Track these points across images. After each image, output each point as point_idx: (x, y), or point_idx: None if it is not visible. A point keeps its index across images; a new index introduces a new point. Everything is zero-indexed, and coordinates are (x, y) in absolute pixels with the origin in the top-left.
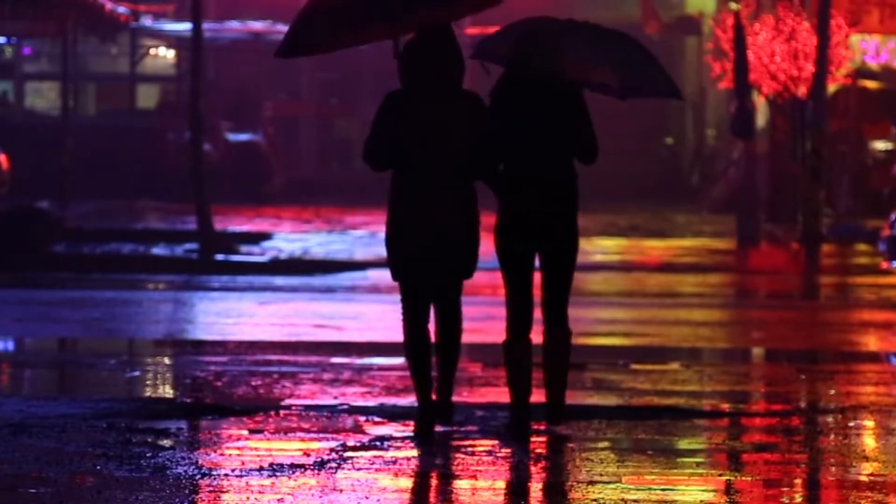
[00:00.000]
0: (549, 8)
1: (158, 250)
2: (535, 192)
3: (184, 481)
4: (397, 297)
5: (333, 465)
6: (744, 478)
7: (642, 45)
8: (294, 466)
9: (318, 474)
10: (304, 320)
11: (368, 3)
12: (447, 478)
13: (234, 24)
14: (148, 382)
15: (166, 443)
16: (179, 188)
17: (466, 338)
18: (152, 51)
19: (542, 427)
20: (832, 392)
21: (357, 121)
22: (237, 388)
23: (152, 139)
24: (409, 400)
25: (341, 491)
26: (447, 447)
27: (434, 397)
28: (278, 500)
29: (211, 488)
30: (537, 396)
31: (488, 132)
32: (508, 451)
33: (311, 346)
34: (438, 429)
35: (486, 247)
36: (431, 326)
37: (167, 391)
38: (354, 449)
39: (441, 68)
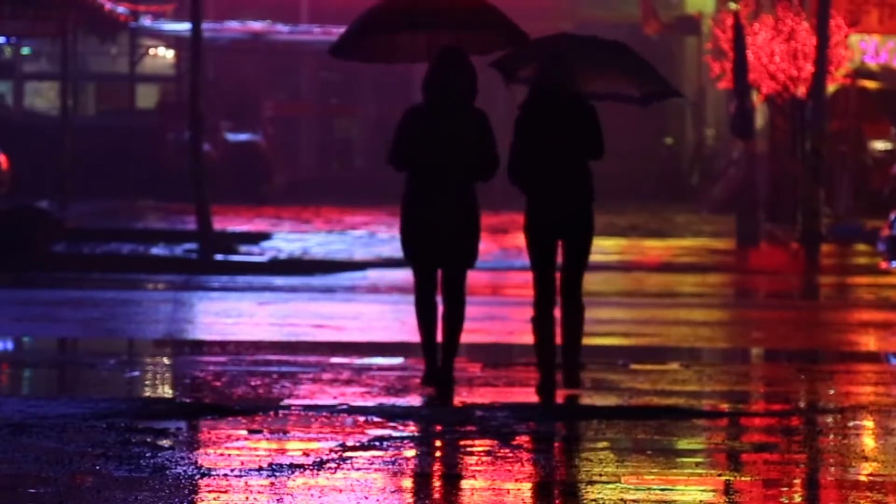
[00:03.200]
0: (550, 8)
1: (158, 250)
2: (558, 191)
3: (183, 481)
4: (396, 297)
5: (332, 465)
6: (743, 478)
7: (639, 54)
8: (293, 466)
9: (318, 474)
10: (304, 320)
11: (408, 26)
12: (447, 478)
13: (234, 24)
14: (147, 382)
15: (166, 443)
16: (179, 188)
17: (467, 338)
18: (152, 51)
19: (540, 427)
20: (832, 392)
21: (357, 121)
22: (237, 388)
23: (152, 139)
24: (409, 400)
25: (341, 491)
26: (447, 447)
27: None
28: (278, 500)
29: (210, 488)
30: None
31: (490, 144)
32: (508, 450)
33: (310, 346)
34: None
35: (487, 248)
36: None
37: (167, 391)
38: (354, 449)
39: (454, 88)
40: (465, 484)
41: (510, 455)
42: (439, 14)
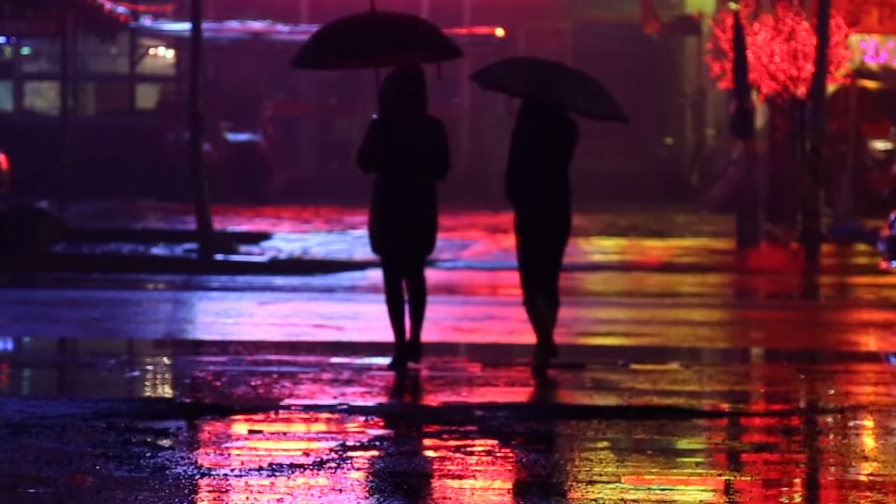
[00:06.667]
0: (549, 8)
1: (158, 250)
2: (543, 196)
3: (183, 481)
4: None
5: (333, 465)
6: (743, 478)
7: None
8: (294, 466)
9: (318, 474)
10: (304, 320)
11: (358, 40)
12: (447, 478)
13: (234, 24)
14: (147, 382)
15: (166, 443)
16: (179, 188)
17: (466, 338)
18: (152, 51)
19: (540, 427)
20: (832, 392)
21: (356, 121)
22: (237, 388)
23: (152, 139)
24: (409, 399)
25: (341, 491)
26: (447, 447)
27: (408, 339)
28: (278, 500)
29: (210, 488)
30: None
31: (443, 149)
32: (508, 450)
33: (310, 346)
34: (411, 366)
35: (487, 248)
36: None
37: (167, 391)
38: (354, 449)
39: (410, 101)
40: (465, 484)
41: (510, 455)
42: (384, 41)
